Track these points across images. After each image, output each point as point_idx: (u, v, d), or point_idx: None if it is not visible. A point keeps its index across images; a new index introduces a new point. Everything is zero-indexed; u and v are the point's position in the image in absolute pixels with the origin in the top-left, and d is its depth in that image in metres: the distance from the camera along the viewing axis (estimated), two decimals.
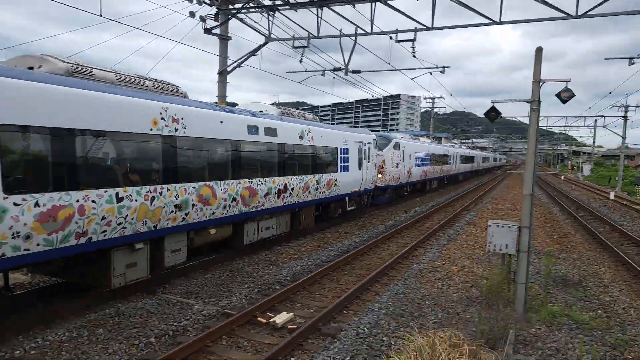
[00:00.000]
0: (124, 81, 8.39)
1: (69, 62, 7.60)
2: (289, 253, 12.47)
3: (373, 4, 13.77)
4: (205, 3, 13.82)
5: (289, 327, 7.43)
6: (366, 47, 16.51)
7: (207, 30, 14.02)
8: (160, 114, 8.43)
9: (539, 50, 7.98)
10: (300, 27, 15.33)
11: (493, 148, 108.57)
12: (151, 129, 8.21)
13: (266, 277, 10.15)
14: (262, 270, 10.76)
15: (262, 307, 8.10)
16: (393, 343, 6.85)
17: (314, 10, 14.25)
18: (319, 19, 14.43)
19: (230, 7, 14.58)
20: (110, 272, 7.74)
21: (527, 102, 8.04)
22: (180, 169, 8.90)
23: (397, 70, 19.22)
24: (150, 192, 8.16)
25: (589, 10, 12.46)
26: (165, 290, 9.00)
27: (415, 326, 7.40)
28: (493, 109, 8.62)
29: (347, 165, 16.53)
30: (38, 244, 6.37)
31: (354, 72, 16.93)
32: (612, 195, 34.35)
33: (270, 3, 14.21)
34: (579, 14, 12.53)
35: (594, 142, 66.07)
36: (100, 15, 11.26)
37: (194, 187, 9.18)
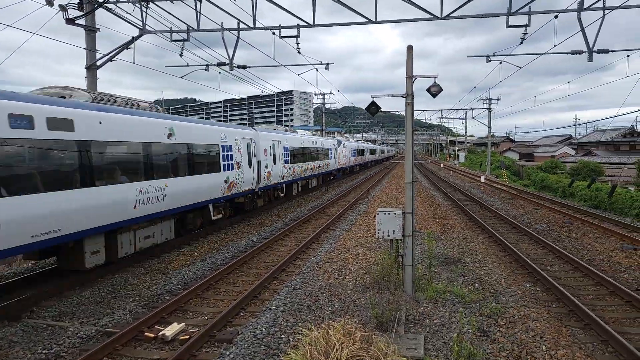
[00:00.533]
0: None
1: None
2: (180, 259, 11.78)
3: None
4: None
5: (181, 338, 6.97)
6: (252, 43, 16.23)
7: (70, 21, 12.58)
8: None
9: (410, 49, 8.44)
10: (179, 19, 14.55)
11: (381, 141, 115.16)
12: None
13: (154, 288, 9.43)
14: (149, 281, 9.98)
15: (150, 321, 7.50)
16: (291, 340, 6.77)
17: (193, 2, 13.61)
18: (198, 13, 13.83)
19: None
20: None
21: (402, 96, 8.47)
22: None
23: (283, 66, 19.24)
24: None
25: (451, 13, 13.63)
26: (32, 315, 7.90)
27: (312, 319, 7.41)
28: (373, 103, 8.97)
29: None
30: None
31: (239, 67, 16.53)
32: (482, 179, 38.43)
33: None
34: (444, 15, 13.64)
35: (465, 132, 73.32)
36: None
37: None
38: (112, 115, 9.82)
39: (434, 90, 8.44)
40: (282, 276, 10.46)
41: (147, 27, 14.22)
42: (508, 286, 9.33)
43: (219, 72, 17.31)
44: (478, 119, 73.77)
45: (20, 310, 7.95)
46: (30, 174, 7.76)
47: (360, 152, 52.19)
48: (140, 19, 13.88)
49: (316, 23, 14.25)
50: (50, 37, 12.88)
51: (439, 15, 13.63)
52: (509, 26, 13.59)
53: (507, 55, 18.86)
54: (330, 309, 8.12)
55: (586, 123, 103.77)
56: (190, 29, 14.63)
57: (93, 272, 9.87)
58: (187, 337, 6.96)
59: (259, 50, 17.13)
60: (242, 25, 14.63)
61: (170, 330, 7.09)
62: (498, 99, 48.54)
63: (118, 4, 13.54)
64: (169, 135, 11.74)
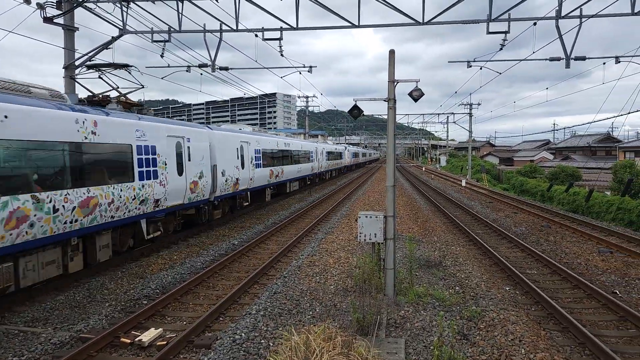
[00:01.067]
0: None
1: None
2: (159, 263, 11.56)
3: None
4: None
5: (158, 344, 6.81)
6: (235, 45, 16.10)
7: (48, 20, 12.29)
8: None
9: (392, 53, 8.48)
10: (161, 20, 14.35)
11: (364, 144, 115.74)
12: None
13: (131, 293, 9.23)
14: (126, 285, 9.77)
15: (126, 326, 7.32)
16: (271, 345, 6.68)
17: (174, 3, 13.46)
18: (180, 14, 13.68)
19: None
20: None
21: (384, 100, 8.49)
22: None
23: (266, 68, 19.17)
24: None
25: (433, 18, 13.78)
26: (2, 320, 7.64)
27: (293, 324, 7.34)
28: (356, 107, 8.98)
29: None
30: None
31: (221, 68, 16.39)
32: (463, 183, 38.89)
33: None
34: (426, 20, 13.77)
35: (447, 137, 74.33)
36: None
37: None
38: None
39: (416, 95, 8.50)
40: (262, 280, 10.35)
41: (127, 27, 13.99)
42: (488, 289, 9.41)
43: (201, 74, 17.17)
44: (459, 123, 74.88)
45: None
46: None
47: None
48: (121, 19, 13.65)
49: (299, 26, 14.25)
50: (26, 36, 12.52)
51: (421, 20, 13.76)
52: (489, 32, 13.79)
53: (487, 61, 19.16)
54: (311, 313, 8.06)
55: (564, 128, 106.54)
56: (172, 29, 14.46)
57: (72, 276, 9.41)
58: (165, 342, 6.81)
59: (241, 53, 17.00)
60: (224, 27, 14.53)
61: (147, 336, 6.93)
62: (479, 104, 49.33)
63: (98, 4, 13.30)
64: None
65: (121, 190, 10.48)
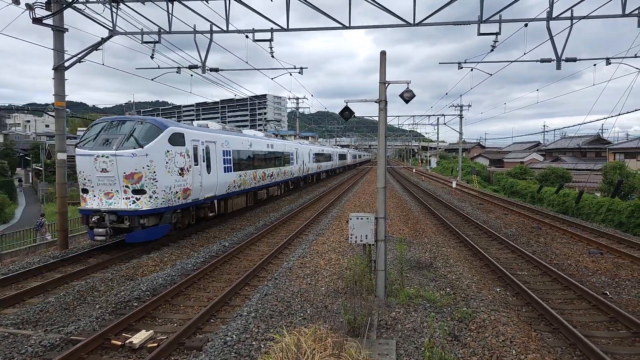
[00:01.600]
0: None
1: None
2: (150, 265, 11.48)
3: (227, 0, 13.46)
4: None
5: (149, 346, 6.77)
6: (226, 46, 16.03)
7: (37, 20, 12.15)
8: None
9: (383, 54, 8.51)
10: (151, 21, 14.26)
11: (355, 146, 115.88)
12: None
13: (122, 295, 9.14)
14: (116, 287, 9.69)
15: (117, 328, 7.27)
16: (262, 346, 6.66)
17: (164, 4, 13.39)
18: (170, 15, 13.60)
19: None
20: None
21: (375, 101, 8.51)
22: None
23: (256, 69, 19.13)
24: None
25: (424, 20, 13.85)
26: None
27: (284, 325, 7.32)
28: (347, 108, 8.98)
29: None
30: None
31: (211, 70, 16.34)
32: (454, 184, 39.10)
33: None
34: (416, 22, 13.84)
35: (437, 138, 74.67)
36: None
37: None
38: None
39: (407, 96, 8.53)
40: (253, 282, 10.33)
41: (117, 28, 13.88)
42: (479, 291, 9.46)
43: (191, 75, 17.07)
44: (450, 125, 75.35)
45: None
46: None
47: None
48: (111, 20, 13.54)
49: (290, 27, 14.24)
50: (15, 37, 12.40)
51: (412, 22, 13.82)
52: (480, 34, 13.88)
53: (478, 62, 19.27)
54: (302, 314, 8.05)
55: (554, 130, 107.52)
56: (162, 30, 14.38)
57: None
58: (156, 344, 6.77)
59: (232, 54, 16.95)
60: (215, 28, 14.48)
61: (138, 338, 6.89)
62: (469, 106, 49.72)
63: (88, 4, 13.17)
64: None
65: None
